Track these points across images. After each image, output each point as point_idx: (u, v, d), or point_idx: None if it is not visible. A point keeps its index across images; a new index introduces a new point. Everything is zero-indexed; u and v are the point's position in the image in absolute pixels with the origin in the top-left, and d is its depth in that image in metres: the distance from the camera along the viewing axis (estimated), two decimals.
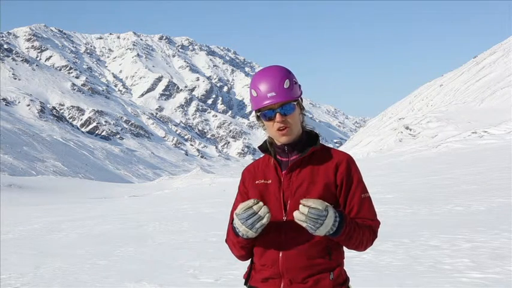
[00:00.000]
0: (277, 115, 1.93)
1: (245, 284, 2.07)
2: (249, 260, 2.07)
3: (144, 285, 5.86)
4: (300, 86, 2.02)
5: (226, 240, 2.06)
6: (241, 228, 1.87)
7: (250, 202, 1.84)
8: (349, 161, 1.99)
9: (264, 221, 1.83)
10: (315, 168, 1.96)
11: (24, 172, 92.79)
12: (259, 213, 1.83)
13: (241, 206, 1.85)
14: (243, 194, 2.09)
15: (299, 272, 1.91)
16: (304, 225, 1.79)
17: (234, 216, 1.90)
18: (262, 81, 1.95)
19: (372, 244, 1.97)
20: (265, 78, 1.95)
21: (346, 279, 1.99)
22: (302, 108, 2.03)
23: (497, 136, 24.87)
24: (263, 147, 2.07)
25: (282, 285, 1.93)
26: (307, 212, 1.77)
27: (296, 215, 1.80)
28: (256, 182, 2.03)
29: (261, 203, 1.84)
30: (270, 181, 2.00)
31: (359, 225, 1.91)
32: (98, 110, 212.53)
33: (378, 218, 2.02)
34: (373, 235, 1.96)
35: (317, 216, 1.76)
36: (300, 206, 1.80)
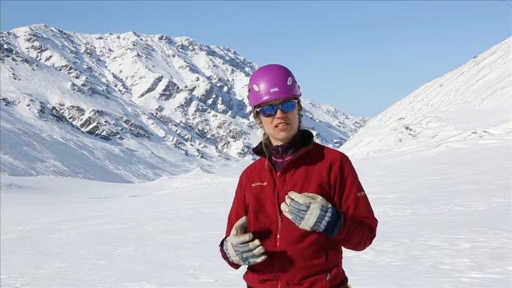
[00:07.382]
0: (278, 111, 1.92)
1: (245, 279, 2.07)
2: None
3: (144, 285, 5.86)
4: (299, 86, 2.03)
5: (220, 247, 2.03)
6: (234, 258, 1.89)
7: (247, 237, 1.85)
8: (343, 160, 1.97)
9: (258, 260, 1.85)
10: (309, 169, 1.95)
11: (24, 172, 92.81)
12: (254, 251, 1.84)
13: (239, 240, 1.86)
14: (239, 199, 2.10)
15: (295, 273, 1.90)
16: (290, 217, 1.80)
17: (229, 245, 1.90)
18: (265, 76, 1.95)
19: (370, 243, 1.95)
20: (268, 74, 1.95)
21: (344, 280, 1.97)
22: (300, 109, 2.03)
23: (497, 136, 24.81)
24: (258, 149, 2.06)
25: (278, 287, 1.92)
26: (289, 204, 1.79)
27: (282, 206, 1.82)
28: (253, 185, 2.03)
29: (256, 242, 1.84)
30: (265, 183, 2.00)
31: (359, 224, 1.90)
32: (98, 110, 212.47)
33: (376, 217, 2.00)
34: (372, 234, 1.94)
35: (297, 211, 1.77)
36: (286, 197, 1.81)
